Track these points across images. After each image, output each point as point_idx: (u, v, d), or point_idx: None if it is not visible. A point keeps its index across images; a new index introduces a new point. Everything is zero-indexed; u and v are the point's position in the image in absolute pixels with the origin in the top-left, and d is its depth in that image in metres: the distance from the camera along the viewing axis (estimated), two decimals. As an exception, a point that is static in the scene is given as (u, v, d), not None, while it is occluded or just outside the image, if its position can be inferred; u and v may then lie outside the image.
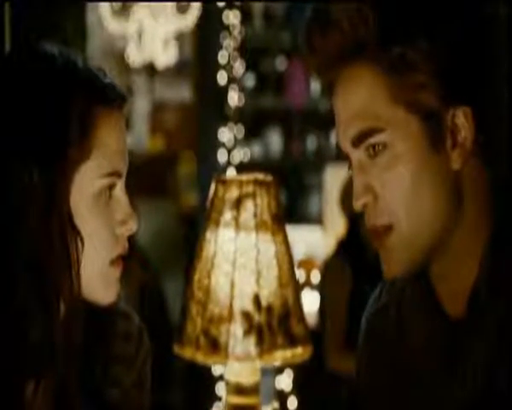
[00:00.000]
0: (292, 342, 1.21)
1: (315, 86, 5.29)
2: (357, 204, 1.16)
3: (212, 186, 1.24)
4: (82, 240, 1.15)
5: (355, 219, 3.38)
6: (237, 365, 1.20)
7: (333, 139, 5.24)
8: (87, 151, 1.15)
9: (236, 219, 1.21)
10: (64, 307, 1.16)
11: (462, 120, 1.13)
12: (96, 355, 1.24)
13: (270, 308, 1.20)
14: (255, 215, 1.21)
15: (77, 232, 1.15)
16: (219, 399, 3.98)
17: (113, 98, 1.19)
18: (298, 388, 3.97)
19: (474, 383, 1.14)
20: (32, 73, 1.15)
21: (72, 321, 1.16)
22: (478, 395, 1.14)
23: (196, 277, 1.22)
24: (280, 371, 4.06)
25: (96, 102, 1.16)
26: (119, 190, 1.20)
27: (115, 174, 1.18)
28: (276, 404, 3.91)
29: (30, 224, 1.13)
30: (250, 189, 1.22)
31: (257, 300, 1.19)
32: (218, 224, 1.22)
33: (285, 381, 4.14)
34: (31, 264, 1.13)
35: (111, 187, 1.19)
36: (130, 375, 1.27)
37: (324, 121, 5.27)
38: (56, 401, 1.17)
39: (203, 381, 4.24)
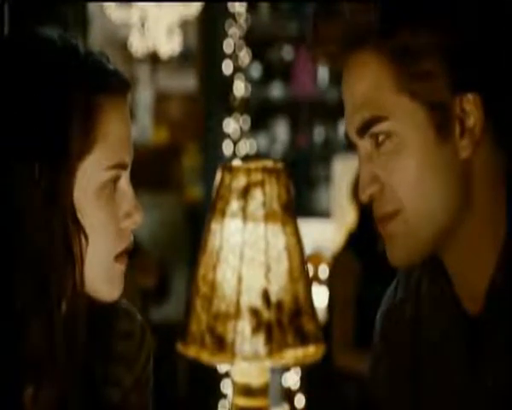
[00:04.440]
0: (303, 340, 1.18)
1: (322, 76, 5.34)
2: (364, 195, 1.16)
3: (218, 174, 1.20)
4: (86, 236, 1.14)
5: (366, 212, 3.34)
6: (245, 365, 1.17)
7: (341, 130, 5.30)
8: (90, 143, 1.13)
9: (244, 208, 1.18)
10: (66, 305, 1.15)
11: (470, 106, 1.12)
12: (97, 354, 1.22)
13: (279, 304, 1.16)
14: (264, 205, 1.18)
15: (80, 228, 1.14)
16: (225, 397, 3.99)
17: (116, 86, 1.16)
18: (305, 386, 3.96)
19: (494, 381, 1.13)
20: (31, 60, 1.13)
21: (74, 321, 1.15)
22: (498, 394, 1.13)
23: (201, 271, 1.19)
24: (287, 368, 4.06)
25: (98, 91, 1.14)
26: (124, 183, 1.19)
27: (120, 166, 1.17)
28: (285, 406, 3.91)
29: (32, 221, 1.12)
30: (259, 177, 1.18)
31: (266, 295, 1.16)
32: (224, 214, 1.18)
33: (292, 379, 4.13)
34: (33, 262, 1.12)
35: (116, 179, 1.17)
36: (132, 375, 1.26)
37: (332, 112, 5.35)
38: (56, 402, 1.15)
39: (208, 378, 4.25)
